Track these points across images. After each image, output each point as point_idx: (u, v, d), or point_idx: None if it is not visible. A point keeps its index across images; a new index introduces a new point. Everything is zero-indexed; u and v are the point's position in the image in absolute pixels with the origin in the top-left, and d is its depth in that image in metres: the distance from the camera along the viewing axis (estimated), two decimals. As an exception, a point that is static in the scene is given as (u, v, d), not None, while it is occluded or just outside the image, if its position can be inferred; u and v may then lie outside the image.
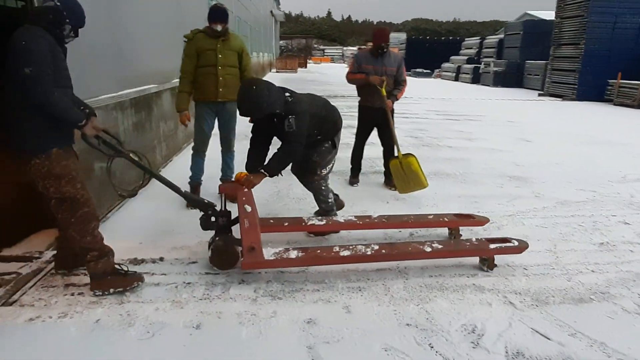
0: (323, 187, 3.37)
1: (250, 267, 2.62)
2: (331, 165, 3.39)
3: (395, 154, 4.20)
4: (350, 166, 4.72)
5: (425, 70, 27.49)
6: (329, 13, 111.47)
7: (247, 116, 2.84)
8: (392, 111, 4.33)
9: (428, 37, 33.17)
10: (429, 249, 2.78)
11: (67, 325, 2.15)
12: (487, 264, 2.88)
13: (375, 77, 4.17)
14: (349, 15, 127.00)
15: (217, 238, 2.76)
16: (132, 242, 3.08)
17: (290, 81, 20.79)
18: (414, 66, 27.96)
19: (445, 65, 26.32)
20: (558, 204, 4.21)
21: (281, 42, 46.22)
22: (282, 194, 4.29)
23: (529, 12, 28.90)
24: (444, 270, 2.86)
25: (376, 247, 2.77)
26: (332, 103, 3.36)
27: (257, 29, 19.11)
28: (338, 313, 2.36)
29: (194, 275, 2.69)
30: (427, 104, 12.62)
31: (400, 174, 4.10)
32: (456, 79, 24.17)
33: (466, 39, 29.29)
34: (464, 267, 2.91)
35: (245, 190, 2.76)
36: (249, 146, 3.09)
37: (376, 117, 4.33)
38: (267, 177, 2.93)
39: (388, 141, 4.39)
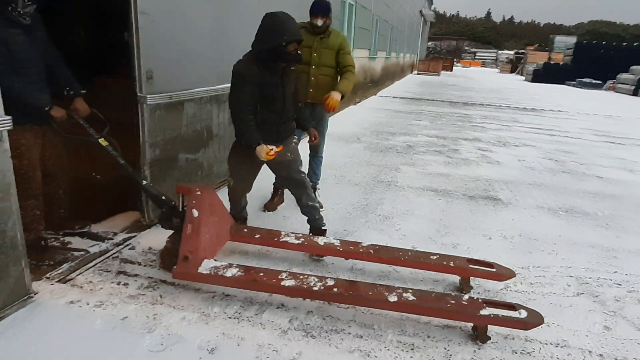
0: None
1: (180, 277, 2.38)
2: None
3: None
4: None
5: (594, 81, 23.57)
6: (489, 13, 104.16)
7: None
8: None
9: (604, 42, 28.08)
10: (393, 299, 2.16)
11: (96, 316, 2.15)
12: (478, 334, 2.15)
13: None
14: (511, 16, 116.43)
15: (167, 239, 2.60)
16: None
17: (427, 84, 19.84)
18: (581, 75, 24.26)
19: (623, 76, 22.06)
20: None
21: (429, 43, 44.63)
22: (368, 209, 3.88)
23: None
24: (543, 348, 2.15)
25: (330, 283, 2.27)
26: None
27: (400, 28, 18.53)
28: (373, 375, 1.91)
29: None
30: (585, 121, 10.63)
31: None
32: (635, 93, 20.08)
33: (657, 45, 24.16)
34: (575, 349, 2.15)
35: (198, 192, 2.42)
36: (244, 115, 2.62)
37: None
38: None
39: None
